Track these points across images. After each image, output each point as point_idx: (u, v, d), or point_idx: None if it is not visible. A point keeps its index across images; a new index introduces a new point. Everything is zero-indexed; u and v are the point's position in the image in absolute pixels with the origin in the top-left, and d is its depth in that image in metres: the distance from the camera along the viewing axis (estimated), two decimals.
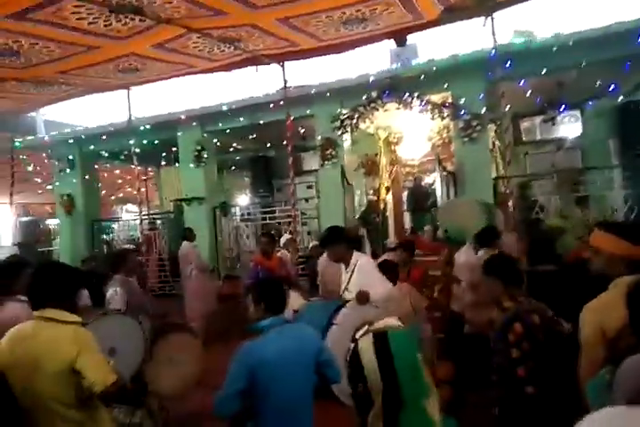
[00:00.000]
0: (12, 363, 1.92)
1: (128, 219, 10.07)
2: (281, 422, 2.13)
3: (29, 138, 8.69)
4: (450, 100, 6.01)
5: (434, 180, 7.42)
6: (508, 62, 5.24)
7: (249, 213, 8.37)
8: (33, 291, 2.05)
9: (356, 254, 3.36)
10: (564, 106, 7.23)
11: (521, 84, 5.89)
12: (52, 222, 14.13)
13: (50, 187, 9.58)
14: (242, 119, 7.27)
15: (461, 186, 5.83)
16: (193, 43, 4.81)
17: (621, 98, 6.50)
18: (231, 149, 8.82)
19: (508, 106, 5.25)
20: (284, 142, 6.36)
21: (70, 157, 8.57)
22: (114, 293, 3.87)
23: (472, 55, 5.77)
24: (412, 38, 6.08)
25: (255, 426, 2.15)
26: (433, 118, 6.05)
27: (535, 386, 2.13)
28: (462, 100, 5.92)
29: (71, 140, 8.44)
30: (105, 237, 8.85)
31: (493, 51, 5.00)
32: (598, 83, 5.91)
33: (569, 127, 7.81)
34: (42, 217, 13.90)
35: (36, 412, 1.92)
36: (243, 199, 11.23)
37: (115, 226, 9.26)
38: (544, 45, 5.50)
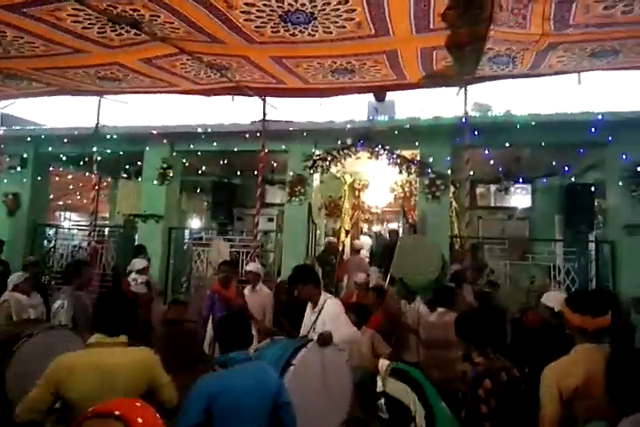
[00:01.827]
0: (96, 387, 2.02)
1: (74, 227, 9.54)
2: None
3: None
4: (418, 158, 6.33)
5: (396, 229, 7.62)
6: (474, 132, 5.65)
7: (202, 238, 8.17)
8: (113, 319, 2.22)
9: (323, 294, 3.34)
10: (518, 178, 7.80)
11: (484, 152, 6.34)
12: None
13: None
14: (215, 144, 7.27)
15: None
16: (181, 63, 4.85)
17: (571, 179, 7.10)
18: (197, 172, 8.72)
19: (471, 172, 5.60)
20: (253, 172, 6.38)
21: (24, 155, 8.15)
22: (61, 305, 3.63)
23: (442, 120, 6.19)
24: (391, 95, 6.46)
25: None
26: (400, 172, 6.33)
27: None
28: (429, 159, 6.25)
29: (28, 138, 8.06)
30: (46, 243, 8.30)
31: (463, 119, 5.37)
32: (553, 162, 6.46)
33: (520, 198, 8.37)
34: None
35: None
36: (198, 223, 11.00)
37: (51, 233, 8.73)
38: (506, 121, 6.00)
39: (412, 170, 6.23)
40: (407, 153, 6.51)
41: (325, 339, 2.95)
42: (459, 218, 6.68)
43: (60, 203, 12.03)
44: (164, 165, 7.53)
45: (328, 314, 3.23)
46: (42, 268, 5.69)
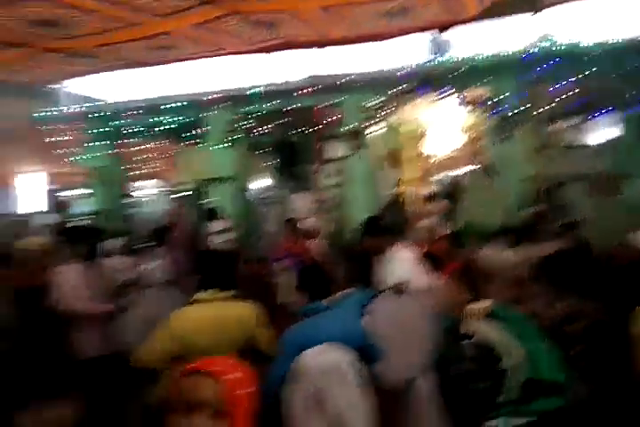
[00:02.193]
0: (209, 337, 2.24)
1: (153, 194, 10.22)
2: None
3: (61, 108, 8.80)
4: (485, 97, 5.91)
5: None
6: (545, 64, 5.14)
7: (269, 197, 8.43)
8: (222, 275, 2.40)
9: (395, 245, 3.33)
10: (597, 110, 7.06)
11: (558, 86, 5.77)
12: (74, 193, 14.44)
13: (79, 158, 9.74)
14: (273, 103, 7.26)
15: (495, 183, 5.76)
16: (231, 25, 4.81)
17: None
18: (259, 132, 8.83)
19: (545, 107, 5.16)
20: (312, 129, 6.35)
21: (101, 130, 8.68)
22: (155, 266, 4.06)
23: (512, 54, 5.66)
24: (450, 34, 5.99)
25: None
26: (466, 114, 5.97)
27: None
28: (498, 97, 5.82)
29: (103, 114, 8.53)
30: (130, 210, 9.01)
31: (534, 51, 4.89)
32: (634, 91, 5.76)
33: (601, 132, 7.61)
34: (66, 187, 14.19)
35: None
36: (265, 182, 11.30)
37: (134, 200, 9.41)
38: (580, 51, 5.37)
39: (479, 110, 5.86)
40: (472, 93, 6.09)
41: (399, 287, 2.99)
42: (534, 157, 6.25)
43: (138, 172, 12.84)
44: (228, 128, 7.69)
45: (400, 264, 3.23)
46: (132, 233, 6.22)
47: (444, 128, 6.97)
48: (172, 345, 2.24)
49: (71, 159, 9.92)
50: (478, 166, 6.41)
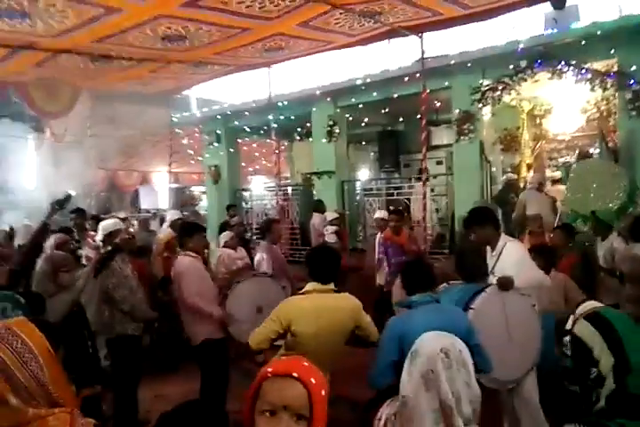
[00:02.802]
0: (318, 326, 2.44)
1: (263, 189, 10.87)
2: None
3: (184, 114, 9.77)
4: (615, 69, 5.25)
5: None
6: None
7: (373, 189, 8.44)
8: (327, 269, 2.56)
9: (503, 237, 3.19)
10: None
11: None
12: (197, 189, 15.92)
13: (200, 158, 10.75)
14: (375, 93, 7.25)
15: (626, 165, 5.10)
16: (335, 19, 4.90)
17: None
18: (361, 124, 8.90)
19: None
20: (417, 116, 6.21)
21: (218, 132, 9.47)
22: (261, 258, 4.31)
23: None
24: (572, 0, 5.40)
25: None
26: (593, 89, 5.35)
27: None
28: (631, 68, 5.12)
29: (218, 116, 9.28)
30: (244, 204, 9.70)
31: None
32: None
33: None
34: (189, 184, 15.71)
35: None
36: (366, 174, 11.35)
37: (247, 195, 10.06)
38: None
39: (609, 84, 5.20)
40: (601, 65, 5.43)
41: (505, 283, 2.82)
42: None
43: (250, 169, 13.76)
44: (330, 123, 7.87)
45: (509, 258, 3.05)
46: (245, 226, 6.70)
47: (567, 105, 6.35)
48: (278, 328, 2.42)
49: (198, 159, 11.01)
50: (607, 148, 5.71)
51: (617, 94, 5.39)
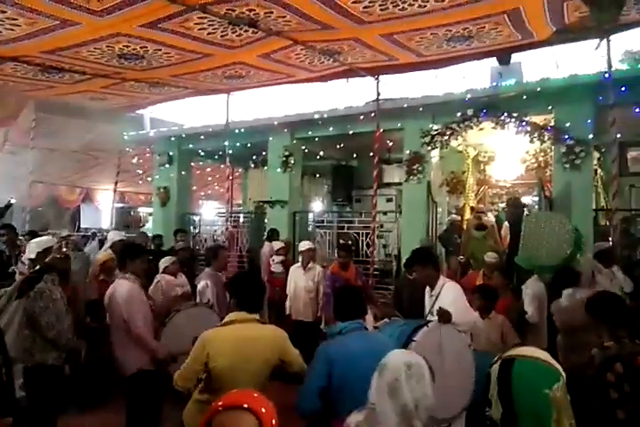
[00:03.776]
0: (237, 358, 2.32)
1: (213, 215, 10.65)
2: None
3: (137, 133, 9.53)
4: (552, 124, 5.70)
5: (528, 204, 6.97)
6: (622, 87, 4.88)
7: (324, 221, 8.50)
8: (254, 297, 2.48)
9: (442, 278, 3.31)
10: None
11: (634, 110, 5.46)
12: (143, 211, 15.39)
13: (149, 179, 10.43)
14: (331, 128, 7.43)
15: (562, 213, 5.44)
16: (296, 54, 5.03)
17: None
18: (316, 157, 9.04)
19: (619, 134, 4.87)
20: (370, 153, 6.39)
21: (170, 153, 9.28)
22: (205, 285, 4.15)
23: (580, 78, 5.44)
24: (516, 57, 5.88)
25: (328, 421, 2.22)
26: (532, 141, 5.76)
27: None
28: (566, 124, 5.58)
29: (173, 138, 9.13)
30: (192, 229, 9.43)
31: (607, 74, 4.67)
32: None
33: None
34: (135, 205, 15.16)
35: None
36: (319, 206, 11.45)
37: (196, 220, 9.82)
38: None
39: (546, 137, 5.62)
40: (539, 119, 5.89)
41: (445, 315, 2.92)
42: (605, 188, 5.87)
43: (202, 193, 13.51)
44: (286, 153, 7.94)
45: (446, 298, 3.17)
46: (190, 252, 6.47)
47: (509, 154, 6.78)
48: (198, 365, 2.30)
49: (147, 179, 10.67)
50: (545, 197, 6.11)
51: (553, 147, 5.82)
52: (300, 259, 5.65)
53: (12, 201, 3.87)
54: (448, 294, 3.21)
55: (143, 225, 14.66)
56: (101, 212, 13.50)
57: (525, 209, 6.47)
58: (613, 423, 2.04)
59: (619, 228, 4.84)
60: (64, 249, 5.67)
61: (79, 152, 9.55)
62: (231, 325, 2.40)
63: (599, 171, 6.47)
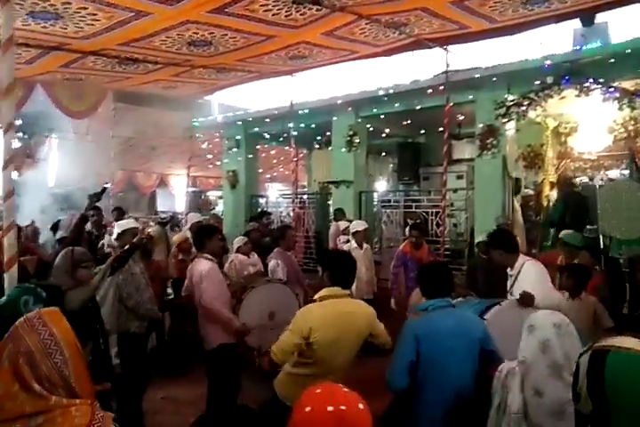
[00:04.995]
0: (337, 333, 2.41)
1: (280, 196, 10.87)
2: (440, 395, 2.19)
3: (205, 119, 9.85)
4: None
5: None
6: None
7: (390, 201, 8.36)
8: (347, 273, 2.57)
9: (522, 257, 3.16)
10: None
11: None
12: (212, 194, 16.04)
13: (218, 163, 10.81)
14: (397, 105, 7.20)
15: None
16: (360, 29, 4.89)
17: None
18: (382, 135, 8.85)
19: None
20: (438, 129, 6.13)
21: (237, 137, 9.52)
22: (276, 264, 4.27)
23: None
24: (602, 17, 5.31)
25: (415, 397, 2.25)
26: (621, 108, 5.22)
27: None
28: None
29: (239, 122, 9.34)
30: (259, 210, 9.69)
31: None
32: None
33: None
34: (206, 189, 15.84)
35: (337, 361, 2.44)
36: (384, 185, 11.28)
37: (263, 202, 10.06)
38: None
39: (637, 104, 5.07)
40: (630, 84, 5.30)
41: (526, 298, 2.81)
42: None
43: (268, 176, 13.81)
44: (351, 133, 7.84)
45: (527, 278, 3.03)
46: (262, 232, 6.65)
47: (593, 124, 6.21)
48: (299, 339, 2.35)
49: (216, 164, 11.08)
50: (637, 168, 5.54)
51: None
52: (355, 239, 5.59)
53: (107, 186, 4.25)
54: (530, 274, 3.06)
55: (213, 208, 15.31)
56: (175, 196, 14.27)
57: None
58: None
59: None
60: (149, 230, 6.09)
61: (154, 139, 10.07)
62: (328, 300, 2.45)
63: None
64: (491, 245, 3.37)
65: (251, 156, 9.63)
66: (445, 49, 5.66)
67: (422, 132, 8.99)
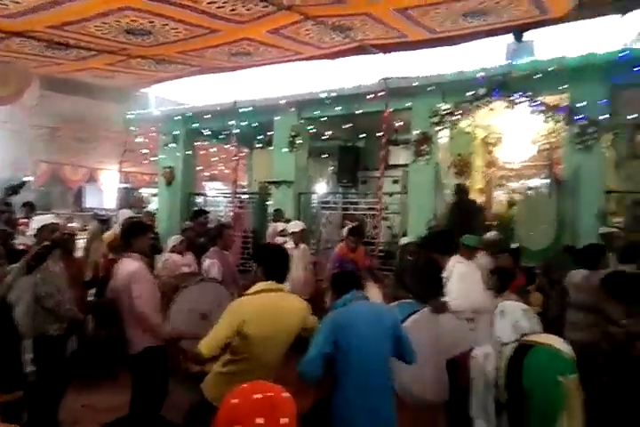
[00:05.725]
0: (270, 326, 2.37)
1: (219, 195, 10.62)
2: (360, 382, 2.26)
3: (142, 112, 9.42)
4: (565, 103, 5.60)
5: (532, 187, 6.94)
6: (637, 67, 4.78)
7: (329, 202, 8.47)
8: (281, 267, 2.55)
9: (453, 259, 3.32)
10: None
11: None
12: (146, 191, 15.36)
13: (154, 158, 10.37)
14: (339, 108, 7.31)
15: (570, 196, 5.42)
16: (306, 30, 4.92)
17: None
18: (323, 137, 8.94)
19: (633, 115, 4.80)
20: (377, 134, 6.30)
21: (176, 133, 9.19)
22: (211, 263, 4.16)
23: (595, 56, 5.31)
24: (529, 35, 5.74)
25: (337, 387, 2.31)
26: (545, 121, 5.67)
27: None
28: (580, 104, 5.49)
29: (178, 117, 9.02)
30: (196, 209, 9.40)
31: (623, 53, 4.57)
32: None
33: None
34: (139, 185, 15.12)
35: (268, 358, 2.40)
36: (324, 187, 11.39)
37: (201, 201, 9.79)
38: None
39: (558, 118, 5.54)
40: (552, 99, 5.78)
41: (438, 307, 2.98)
42: (617, 170, 5.81)
43: (207, 174, 13.45)
44: (293, 133, 7.85)
45: (453, 280, 3.23)
46: (197, 231, 6.47)
47: (519, 135, 6.68)
48: (231, 331, 2.31)
49: (151, 159, 10.61)
50: (555, 179, 6.05)
51: (566, 128, 5.74)
52: (292, 240, 5.63)
53: (25, 179, 3.91)
54: (455, 276, 3.24)
55: (146, 206, 14.65)
56: (103, 192, 13.49)
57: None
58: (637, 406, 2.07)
59: (629, 211, 4.81)
60: (70, 226, 5.70)
61: (83, 131, 9.47)
62: (262, 293, 2.42)
63: (611, 152, 6.38)
64: (426, 247, 3.48)
65: (189, 152, 9.33)
66: (386, 55, 5.84)
67: (362, 136, 9.20)
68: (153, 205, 12.81)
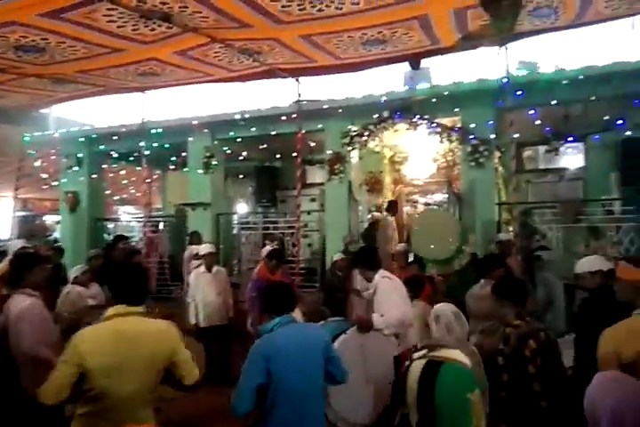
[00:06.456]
0: (117, 357, 2.05)
1: (131, 219, 10.08)
2: (293, 411, 2.19)
3: (40, 134, 8.75)
4: (459, 125, 6.15)
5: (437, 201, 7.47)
6: (518, 92, 5.40)
7: (249, 222, 8.41)
8: (133, 288, 2.20)
9: (378, 274, 3.38)
10: (568, 137, 7.40)
11: (529, 113, 6.06)
12: (49, 218, 14.15)
13: (55, 183, 9.61)
14: (253, 129, 7.38)
15: (467, 209, 5.94)
16: (214, 52, 4.93)
17: (627, 133, 6.66)
18: (239, 158, 8.91)
19: (516, 134, 5.39)
20: (293, 154, 6.43)
21: (79, 155, 8.63)
22: None
23: (483, 82, 5.95)
24: (426, 62, 6.27)
25: (267, 418, 2.20)
26: (441, 141, 6.18)
27: (549, 400, 2.21)
28: (471, 125, 6.06)
29: (82, 139, 8.51)
30: (106, 235, 8.85)
31: (504, 79, 5.14)
32: (605, 117, 6.08)
33: (571, 159, 7.95)
34: (40, 212, 13.90)
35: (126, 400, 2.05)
36: (243, 207, 11.30)
37: (111, 226, 9.27)
38: (553, 78, 5.69)
39: (454, 138, 6.08)
40: (448, 120, 6.34)
41: (362, 325, 3.03)
42: (505, 184, 6.49)
43: (117, 197, 12.70)
44: (207, 154, 7.75)
45: (377, 295, 3.28)
46: (105, 260, 6.05)
47: (422, 154, 7.20)
48: (73, 368, 1.99)
49: (52, 184, 9.81)
50: (453, 193, 6.60)
51: (460, 147, 6.29)
52: (204, 262, 5.46)
53: None
54: (378, 291, 3.30)
55: (50, 234, 13.47)
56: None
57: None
58: (530, 396, 2.24)
59: (518, 220, 5.34)
60: None
61: None
62: (113, 319, 2.14)
63: (500, 168, 7.09)
64: (354, 262, 3.59)
65: (95, 175, 8.80)
66: (297, 80, 6.02)
67: (278, 156, 9.33)
68: (58, 233, 11.83)
